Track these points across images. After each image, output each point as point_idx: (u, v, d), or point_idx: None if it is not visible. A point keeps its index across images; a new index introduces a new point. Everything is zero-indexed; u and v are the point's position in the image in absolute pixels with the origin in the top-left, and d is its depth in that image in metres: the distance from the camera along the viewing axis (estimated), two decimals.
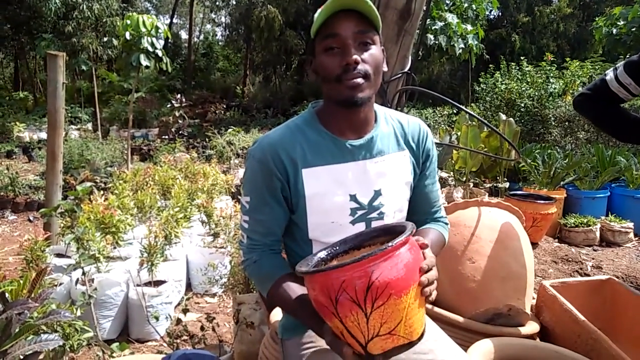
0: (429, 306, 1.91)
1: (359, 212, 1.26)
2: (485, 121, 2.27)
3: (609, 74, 1.81)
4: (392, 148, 1.30)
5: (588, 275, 3.88)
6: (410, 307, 0.96)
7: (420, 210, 1.41)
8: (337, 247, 1.17)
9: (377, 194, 1.27)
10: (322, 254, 1.14)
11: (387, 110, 1.37)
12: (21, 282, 2.04)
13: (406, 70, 2.17)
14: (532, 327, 1.97)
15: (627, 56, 8.72)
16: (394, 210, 1.31)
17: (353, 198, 1.25)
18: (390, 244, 0.95)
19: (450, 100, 2.00)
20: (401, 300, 0.94)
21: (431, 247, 1.27)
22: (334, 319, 0.97)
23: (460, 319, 1.88)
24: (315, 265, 1.10)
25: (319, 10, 1.15)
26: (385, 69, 1.23)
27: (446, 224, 1.46)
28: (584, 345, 1.80)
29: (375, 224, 1.28)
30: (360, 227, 1.27)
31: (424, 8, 2.13)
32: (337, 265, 0.95)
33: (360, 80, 1.14)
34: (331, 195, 1.23)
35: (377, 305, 0.93)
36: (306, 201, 1.23)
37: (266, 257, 1.29)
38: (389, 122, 1.33)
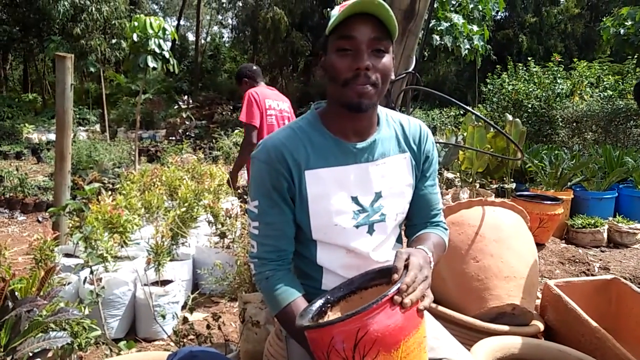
0: (433, 305, 1.92)
1: (362, 215, 1.26)
2: (490, 121, 2.27)
3: None
4: (393, 150, 1.31)
5: (595, 276, 3.86)
6: None
7: (419, 213, 1.40)
8: (342, 289, 1.16)
9: (378, 195, 1.28)
10: (323, 300, 1.14)
11: (388, 111, 1.37)
12: (30, 280, 2.07)
13: (410, 70, 2.18)
14: (536, 326, 1.97)
15: (635, 56, 8.68)
16: (396, 212, 1.31)
17: (354, 200, 1.26)
18: (374, 301, 0.93)
19: (454, 100, 2.00)
20: (391, 355, 0.94)
21: (433, 252, 1.26)
22: None
23: (464, 317, 1.88)
24: (317, 312, 1.11)
25: (337, 8, 1.14)
26: (392, 77, 1.23)
27: (445, 229, 1.44)
28: (588, 345, 1.80)
29: (377, 227, 1.29)
30: (363, 230, 1.27)
31: (428, 8, 2.14)
32: (326, 323, 0.96)
33: (368, 87, 1.15)
34: (333, 197, 1.24)
35: None
36: (309, 203, 1.24)
37: (278, 275, 1.26)
38: (390, 124, 1.33)
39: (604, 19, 9.41)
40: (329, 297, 1.14)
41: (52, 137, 10.51)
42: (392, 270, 1.08)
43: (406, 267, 1.04)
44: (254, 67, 3.98)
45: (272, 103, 3.78)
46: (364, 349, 0.93)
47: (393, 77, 1.24)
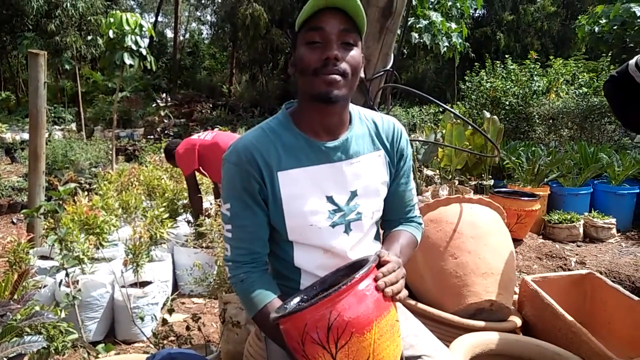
0: (412, 302, 1.93)
1: (337, 215, 1.26)
2: (467, 119, 2.29)
3: (634, 59, 1.73)
4: (367, 148, 1.30)
5: (571, 271, 3.93)
6: (377, 343, 0.98)
7: (394, 210, 1.41)
8: (315, 288, 1.18)
9: (354, 194, 1.27)
10: (299, 298, 1.15)
11: (361, 109, 1.36)
12: (3, 283, 2.02)
13: (388, 67, 2.18)
14: (514, 321, 2.00)
15: (610, 54, 8.83)
16: (372, 210, 1.31)
17: (330, 199, 1.25)
18: (343, 283, 0.95)
19: (431, 98, 2.01)
20: (364, 337, 0.96)
21: (401, 252, 1.29)
22: None
23: (442, 314, 1.90)
24: (292, 310, 1.11)
25: (307, 4, 1.15)
26: (362, 74, 1.23)
27: (419, 224, 1.45)
28: (564, 339, 1.83)
29: (354, 226, 1.28)
30: (340, 230, 1.27)
31: (406, 6, 2.14)
32: (298, 309, 0.97)
33: (337, 77, 1.14)
34: (308, 197, 1.23)
35: (341, 345, 0.95)
36: (283, 204, 1.23)
37: (253, 277, 1.25)
38: (363, 122, 1.33)
39: (579, 17, 9.58)
40: (303, 295, 1.15)
41: (27, 136, 10.27)
42: (362, 262, 1.10)
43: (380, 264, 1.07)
44: (175, 140, 4.51)
45: (195, 135, 4.17)
46: (337, 332, 0.95)
47: (363, 74, 1.24)
